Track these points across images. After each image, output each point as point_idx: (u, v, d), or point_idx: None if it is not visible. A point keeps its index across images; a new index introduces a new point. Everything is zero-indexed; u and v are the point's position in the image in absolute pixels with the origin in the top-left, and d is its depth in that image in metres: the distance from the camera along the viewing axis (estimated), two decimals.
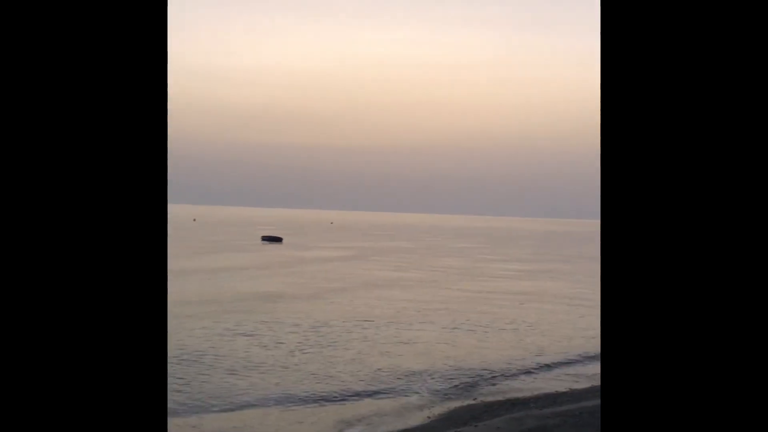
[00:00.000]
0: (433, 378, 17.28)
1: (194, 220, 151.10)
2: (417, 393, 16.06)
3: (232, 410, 14.55)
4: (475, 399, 15.58)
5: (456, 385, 16.87)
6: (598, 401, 14.29)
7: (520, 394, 15.91)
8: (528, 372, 18.59)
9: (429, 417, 14.26)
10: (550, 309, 30.88)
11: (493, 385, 17.15)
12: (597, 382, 17.10)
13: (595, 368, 19.26)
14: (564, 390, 16.36)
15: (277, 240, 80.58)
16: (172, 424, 13.37)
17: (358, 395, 15.62)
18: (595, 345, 22.38)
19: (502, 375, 18.15)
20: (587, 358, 20.71)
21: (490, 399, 15.54)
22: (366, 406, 15.05)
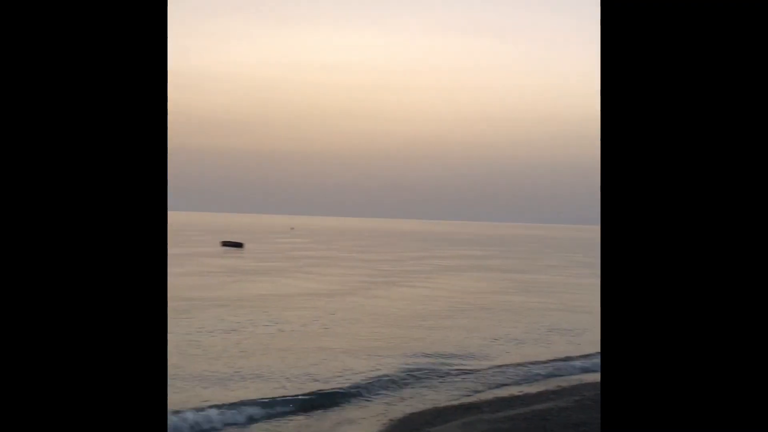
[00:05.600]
0: (379, 381, 17.19)
1: None
2: (365, 398, 15.96)
3: None
4: (425, 405, 15.54)
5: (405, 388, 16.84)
6: (549, 404, 14.37)
7: (473, 399, 15.92)
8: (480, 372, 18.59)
9: (383, 423, 14.15)
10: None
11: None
12: (547, 387, 17.20)
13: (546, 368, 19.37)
14: (518, 393, 16.40)
15: (237, 245, 79.19)
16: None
17: (304, 402, 15.33)
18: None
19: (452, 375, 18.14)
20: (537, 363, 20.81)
21: (443, 404, 15.53)
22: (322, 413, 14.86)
